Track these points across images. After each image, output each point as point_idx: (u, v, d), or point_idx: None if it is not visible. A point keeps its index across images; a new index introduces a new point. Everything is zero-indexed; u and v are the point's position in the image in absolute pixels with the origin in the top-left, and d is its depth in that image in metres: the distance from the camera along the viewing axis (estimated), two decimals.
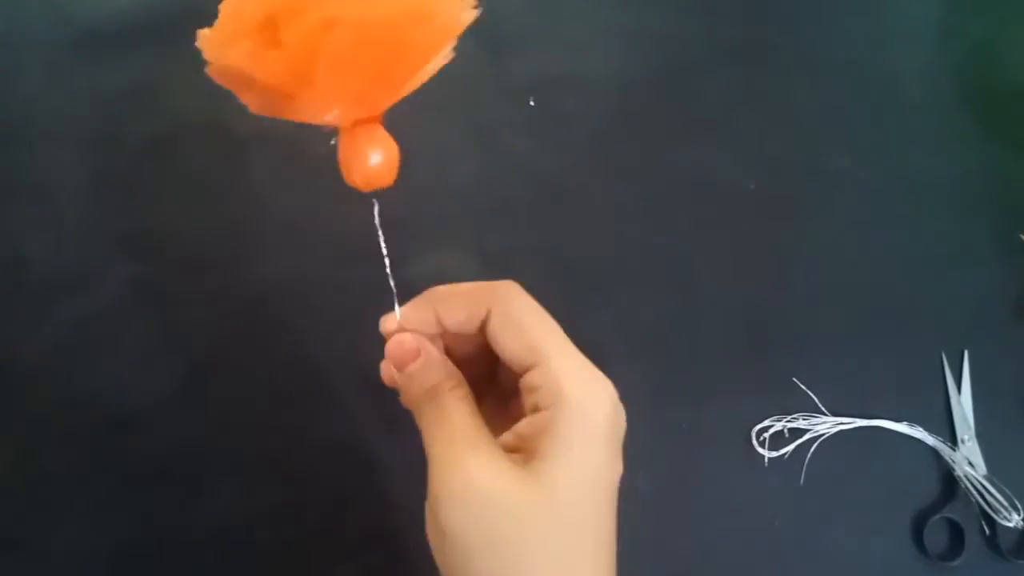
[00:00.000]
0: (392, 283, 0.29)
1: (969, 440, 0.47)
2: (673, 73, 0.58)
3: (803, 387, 0.48)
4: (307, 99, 0.24)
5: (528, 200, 0.53)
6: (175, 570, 0.43)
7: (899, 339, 0.50)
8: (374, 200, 0.28)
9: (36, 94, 0.55)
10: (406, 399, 0.28)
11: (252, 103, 0.24)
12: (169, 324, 0.48)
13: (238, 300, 0.49)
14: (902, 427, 0.47)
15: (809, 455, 0.46)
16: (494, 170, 0.54)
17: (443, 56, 0.24)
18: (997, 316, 0.51)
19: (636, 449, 0.46)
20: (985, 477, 0.46)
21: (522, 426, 0.26)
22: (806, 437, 0.46)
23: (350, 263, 0.51)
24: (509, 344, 0.27)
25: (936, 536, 0.45)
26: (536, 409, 0.26)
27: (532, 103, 0.56)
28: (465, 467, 0.25)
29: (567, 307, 0.50)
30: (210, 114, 0.52)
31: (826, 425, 0.47)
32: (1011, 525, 0.44)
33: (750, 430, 0.47)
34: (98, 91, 0.55)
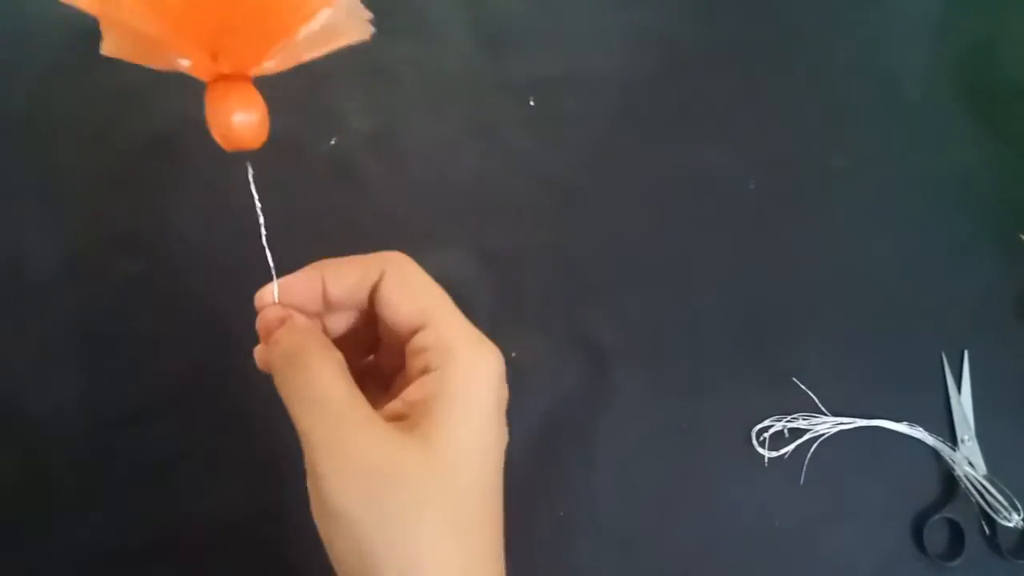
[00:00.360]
0: (268, 255, 0.28)
1: (969, 440, 0.47)
2: (673, 73, 0.58)
3: (803, 387, 0.48)
4: (168, 42, 0.23)
5: (528, 199, 0.53)
6: (176, 570, 0.43)
7: (899, 339, 0.50)
8: (247, 163, 0.26)
9: (35, 93, 0.55)
10: (272, 370, 0.26)
11: (109, 43, 0.23)
12: (169, 323, 0.48)
13: (238, 299, 0.49)
14: (902, 427, 0.47)
15: (809, 455, 0.46)
16: (494, 169, 0.54)
17: (343, 32, 0.24)
18: (997, 316, 0.51)
19: (636, 448, 0.46)
20: (985, 477, 0.46)
21: (410, 391, 0.25)
22: (806, 437, 0.46)
23: None
24: (400, 304, 0.26)
25: (936, 536, 0.45)
26: (425, 371, 0.25)
27: (532, 102, 0.56)
28: (348, 440, 0.23)
29: (567, 306, 0.50)
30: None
31: (826, 425, 0.47)
32: (1011, 525, 0.44)
33: (750, 430, 0.47)
34: (97, 90, 0.55)
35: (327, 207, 0.51)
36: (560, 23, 0.59)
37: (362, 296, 0.27)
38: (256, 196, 0.27)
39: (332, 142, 0.53)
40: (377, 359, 0.30)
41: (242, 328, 0.50)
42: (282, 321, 0.27)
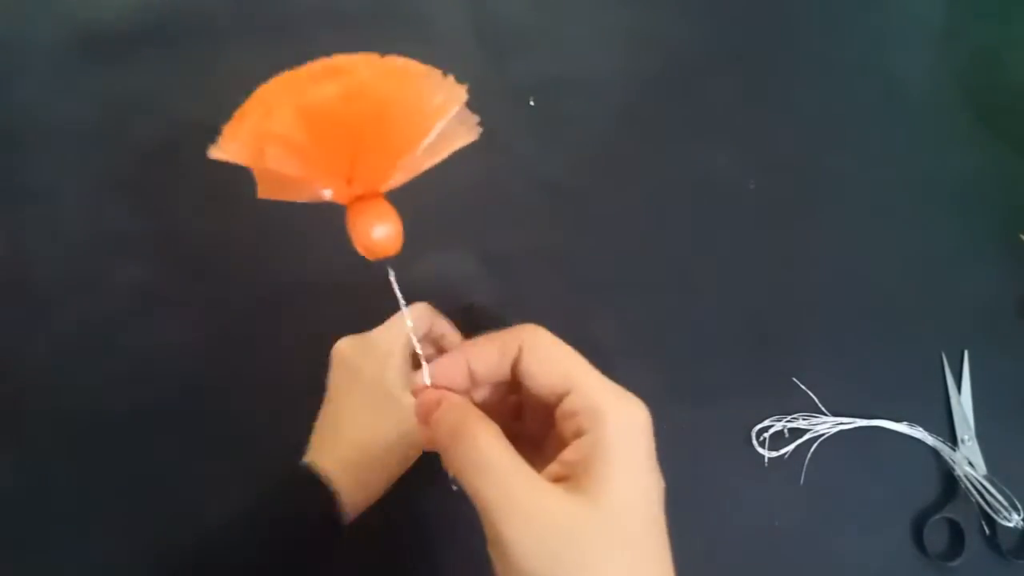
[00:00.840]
0: (418, 349, 0.31)
1: (969, 440, 0.47)
2: (673, 73, 0.58)
3: (803, 387, 0.48)
4: (309, 179, 0.26)
5: (529, 201, 0.53)
6: (175, 570, 0.43)
7: (899, 339, 0.50)
8: (389, 268, 0.29)
9: (39, 96, 0.55)
10: (439, 447, 0.28)
11: (263, 188, 0.26)
12: (170, 325, 0.48)
13: (240, 301, 0.49)
14: (902, 427, 0.47)
15: (809, 455, 0.46)
16: (495, 170, 0.54)
17: (455, 137, 0.27)
18: (997, 316, 0.51)
19: None
20: (985, 477, 0.46)
21: (567, 453, 0.27)
22: (806, 437, 0.46)
23: (354, 267, 0.51)
24: (544, 375, 0.28)
25: (936, 536, 0.45)
26: (578, 433, 0.26)
27: (532, 103, 0.56)
28: (525, 502, 0.25)
29: (568, 307, 0.50)
30: (212, 116, 0.52)
31: (826, 425, 0.47)
32: (1011, 525, 0.44)
33: (750, 430, 0.47)
34: (100, 93, 0.55)
35: (327, 207, 0.51)
36: (561, 25, 0.59)
37: (504, 370, 0.29)
38: (400, 298, 0.30)
39: None
40: (522, 424, 0.31)
41: (243, 329, 0.50)
42: (438, 402, 0.28)
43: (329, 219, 0.54)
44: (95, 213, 0.52)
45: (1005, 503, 0.45)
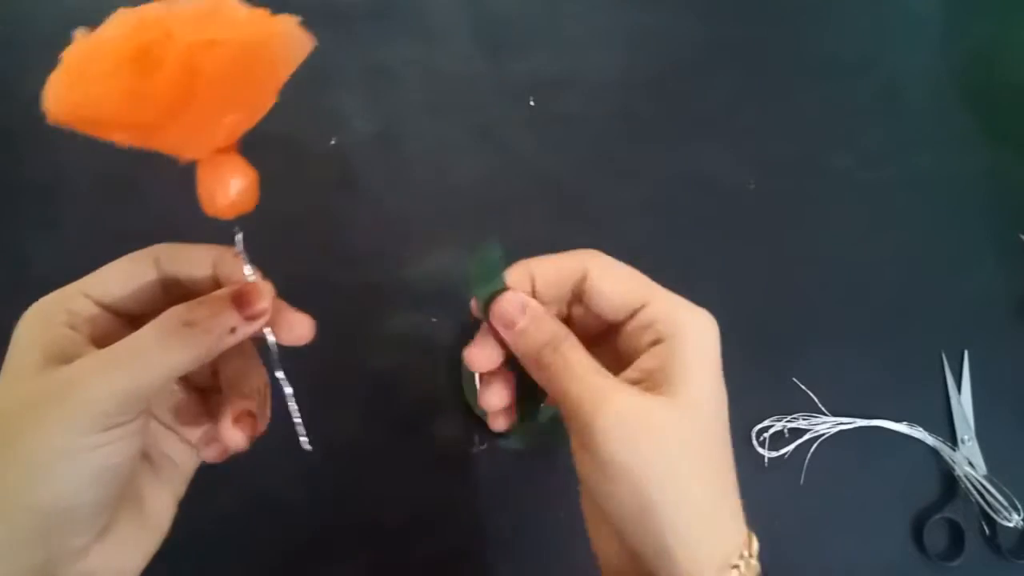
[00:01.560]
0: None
1: (969, 440, 0.47)
2: (673, 73, 0.58)
3: (803, 387, 0.48)
4: (181, 126, 0.24)
5: (528, 199, 0.53)
6: (176, 570, 0.43)
7: (899, 339, 0.50)
8: (237, 228, 0.28)
9: (38, 94, 0.55)
10: (524, 353, 0.29)
11: (118, 138, 0.25)
12: None
13: None
14: (902, 427, 0.47)
15: (809, 455, 0.46)
16: (494, 170, 0.54)
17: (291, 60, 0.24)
18: (997, 316, 0.51)
19: None
20: (985, 477, 0.46)
21: (645, 360, 0.28)
22: (806, 437, 0.46)
23: (348, 264, 0.51)
24: (617, 293, 0.29)
25: (936, 536, 0.45)
26: (656, 342, 0.28)
27: (532, 103, 0.56)
28: (616, 402, 0.26)
29: None
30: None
31: (826, 425, 0.47)
32: (1011, 525, 0.44)
33: (750, 430, 0.47)
34: None
35: (327, 207, 0.51)
36: (560, 24, 0.59)
37: (564, 290, 0.30)
38: (246, 261, 0.28)
39: (332, 142, 0.53)
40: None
41: None
42: (523, 308, 0.29)
43: (325, 216, 0.54)
44: (95, 213, 0.52)
45: (1005, 503, 0.45)
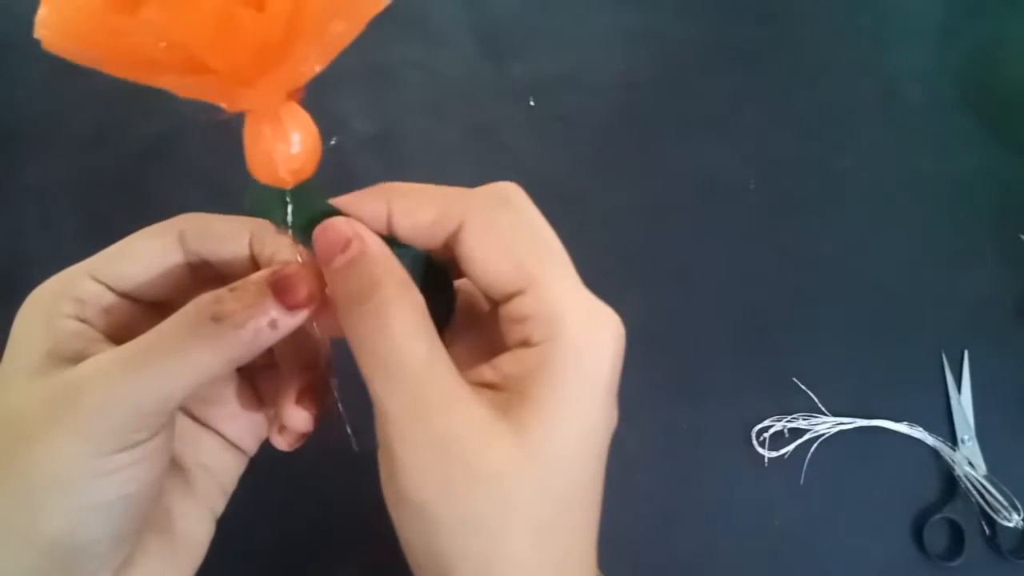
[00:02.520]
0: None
1: (969, 440, 0.47)
2: (673, 73, 0.58)
3: (803, 387, 0.48)
4: (270, 51, 0.18)
5: None
6: None
7: (899, 339, 0.50)
8: (288, 199, 0.22)
9: (36, 94, 0.55)
10: (340, 306, 0.21)
11: (144, 75, 0.18)
12: None
13: None
14: (902, 427, 0.47)
15: (809, 455, 0.46)
16: (494, 170, 0.53)
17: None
18: (997, 316, 0.51)
19: (636, 449, 0.46)
20: (985, 477, 0.46)
21: (506, 360, 0.21)
22: (806, 437, 0.46)
23: None
24: (490, 263, 0.21)
25: (936, 536, 0.45)
26: (526, 343, 0.20)
27: (532, 103, 0.56)
28: (430, 417, 0.19)
29: None
30: (210, 113, 0.52)
31: (826, 425, 0.47)
32: (1011, 525, 0.44)
33: (750, 430, 0.47)
34: (98, 91, 0.55)
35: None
36: (560, 24, 0.59)
37: (435, 240, 0.22)
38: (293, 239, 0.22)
39: (332, 143, 0.53)
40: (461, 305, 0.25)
41: None
42: (348, 241, 0.21)
43: None
44: (95, 213, 0.52)
45: (1005, 503, 0.45)
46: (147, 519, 0.22)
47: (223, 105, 0.19)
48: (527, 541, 0.19)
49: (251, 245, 0.24)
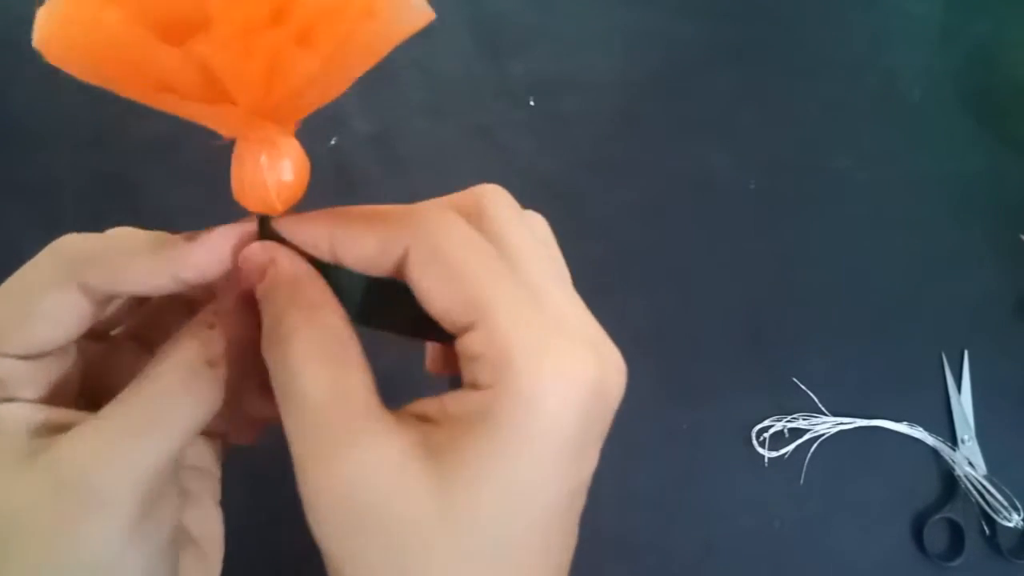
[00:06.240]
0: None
1: (969, 440, 0.47)
2: (673, 73, 0.58)
3: (803, 387, 0.48)
4: (243, 102, 0.18)
5: (528, 200, 0.53)
6: None
7: (899, 339, 0.50)
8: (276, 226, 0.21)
9: (36, 94, 0.55)
10: (264, 336, 0.19)
11: (137, 92, 0.18)
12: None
13: None
14: (902, 427, 0.47)
15: (809, 455, 0.46)
16: (493, 170, 0.54)
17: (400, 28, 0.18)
18: (997, 316, 0.51)
19: (636, 449, 0.46)
20: (985, 477, 0.46)
21: (451, 399, 0.18)
22: (806, 437, 0.46)
23: None
24: (435, 295, 0.18)
25: (936, 536, 0.45)
26: (474, 385, 0.18)
27: (532, 103, 0.56)
28: (335, 460, 0.17)
29: None
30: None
31: (826, 425, 0.47)
32: (1011, 525, 0.44)
33: (750, 430, 0.47)
34: (98, 91, 0.55)
35: (327, 207, 0.51)
36: (560, 24, 0.59)
37: (383, 270, 0.19)
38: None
39: (332, 143, 0.53)
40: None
41: None
42: (263, 271, 0.19)
43: None
44: (95, 213, 0.52)
45: (1005, 503, 0.45)
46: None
47: (221, 132, 0.19)
48: None
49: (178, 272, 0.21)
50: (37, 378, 0.20)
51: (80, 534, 0.17)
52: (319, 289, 0.19)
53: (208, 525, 0.24)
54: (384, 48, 0.18)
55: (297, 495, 0.17)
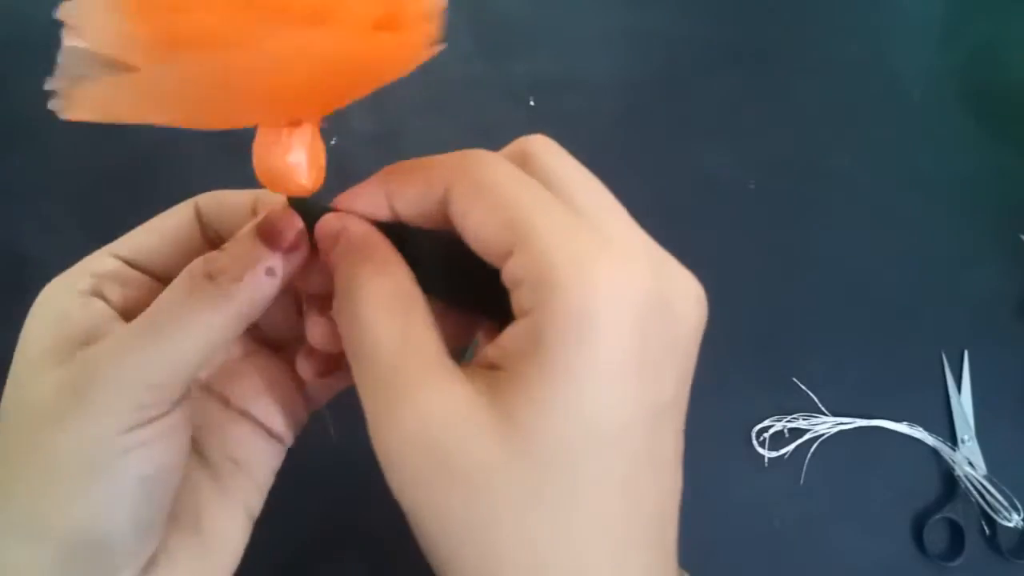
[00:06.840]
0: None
1: (969, 440, 0.47)
2: (674, 73, 0.58)
3: (803, 387, 0.48)
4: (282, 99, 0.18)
5: None
6: None
7: (899, 339, 0.50)
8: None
9: (36, 95, 0.55)
10: (336, 282, 0.20)
11: (180, 117, 0.19)
12: None
13: None
14: (902, 427, 0.47)
15: (809, 455, 0.46)
16: None
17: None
18: (997, 316, 0.51)
19: None
20: (985, 477, 0.46)
21: (506, 336, 0.17)
22: (806, 437, 0.46)
23: None
24: (477, 225, 0.18)
25: (936, 536, 0.45)
26: (522, 312, 0.17)
27: (532, 103, 0.56)
28: (405, 411, 0.17)
29: None
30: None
31: (826, 425, 0.47)
32: (1011, 525, 0.44)
33: (750, 430, 0.47)
34: None
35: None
36: (560, 24, 0.59)
37: (431, 211, 0.20)
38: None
39: (332, 142, 0.53)
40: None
41: None
42: (336, 237, 0.20)
43: None
44: (95, 213, 0.52)
45: (1005, 503, 0.45)
46: (170, 511, 0.21)
47: (260, 123, 0.20)
48: (525, 554, 0.16)
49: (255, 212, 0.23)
50: (129, 287, 0.22)
51: (72, 421, 0.19)
52: (386, 248, 0.20)
53: (222, 524, 0.23)
54: (408, 63, 0.19)
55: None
